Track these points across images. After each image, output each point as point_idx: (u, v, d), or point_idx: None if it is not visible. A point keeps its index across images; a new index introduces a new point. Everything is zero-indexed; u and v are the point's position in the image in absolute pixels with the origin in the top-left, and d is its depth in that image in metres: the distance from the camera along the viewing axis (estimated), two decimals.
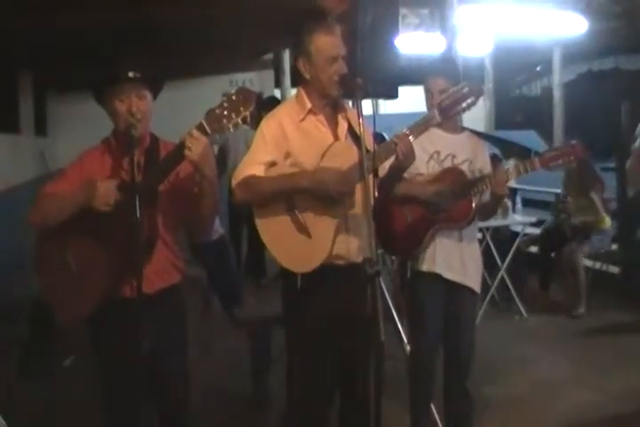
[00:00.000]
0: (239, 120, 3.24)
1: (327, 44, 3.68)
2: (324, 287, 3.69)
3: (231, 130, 3.30)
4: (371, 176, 3.45)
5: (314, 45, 3.69)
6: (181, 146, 3.30)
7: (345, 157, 3.60)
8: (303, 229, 3.63)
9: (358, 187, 3.55)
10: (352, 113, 3.78)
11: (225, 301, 7.68)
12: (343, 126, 3.81)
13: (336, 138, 3.77)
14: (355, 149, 3.57)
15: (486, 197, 4.38)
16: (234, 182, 3.69)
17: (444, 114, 3.62)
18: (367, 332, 3.63)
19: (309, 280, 3.67)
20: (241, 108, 3.23)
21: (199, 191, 3.47)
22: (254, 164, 3.68)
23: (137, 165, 3.44)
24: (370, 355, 3.69)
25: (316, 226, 3.62)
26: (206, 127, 3.26)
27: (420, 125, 3.64)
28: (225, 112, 3.23)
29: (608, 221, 8.71)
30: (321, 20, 3.81)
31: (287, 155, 3.71)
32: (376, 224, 3.40)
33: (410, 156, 3.63)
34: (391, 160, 3.72)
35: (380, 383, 3.27)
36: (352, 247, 3.75)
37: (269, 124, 3.78)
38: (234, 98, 3.23)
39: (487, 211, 4.52)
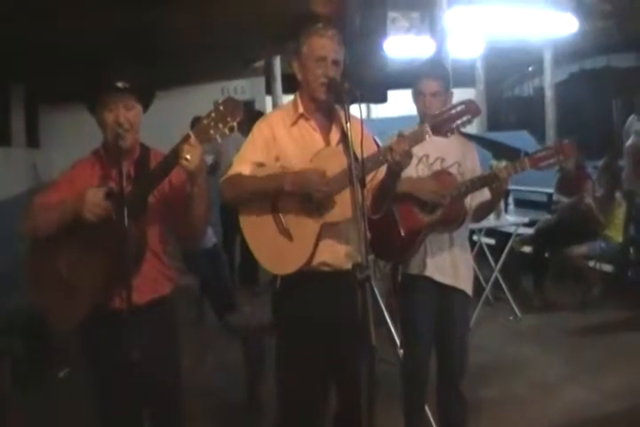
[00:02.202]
0: (226, 130, 3.23)
1: (318, 45, 3.69)
2: (306, 292, 3.72)
3: (218, 140, 3.29)
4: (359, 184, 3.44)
5: (306, 46, 3.72)
6: (171, 156, 3.30)
7: (333, 162, 3.60)
8: (285, 232, 3.65)
9: (346, 194, 3.55)
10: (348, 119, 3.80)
11: (218, 309, 7.69)
12: (336, 133, 3.81)
13: (327, 144, 3.78)
14: (343, 156, 3.58)
15: (486, 195, 4.39)
16: (221, 180, 3.73)
17: (436, 130, 3.58)
18: (355, 338, 3.68)
19: (290, 284, 3.71)
20: (228, 119, 3.21)
21: (190, 201, 3.47)
22: (242, 162, 3.72)
23: (127, 176, 3.43)
24: (358, 359, 3.72)
25: (298, 229, 3.64)
26: (193, 138, 3.25)
27: (411, 142, 3.58)
28: (212, 122, 3.22)
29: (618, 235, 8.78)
30: (316, 24, 3.83)
31: (277, 158, 3.74)
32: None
33: (405, 159, 3.58)
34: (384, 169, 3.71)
35: (373, 387, 3.27)
36: (339, 254, 3.75)
37: (261, 127, 3.81)
38: (221, 108, 3.22)
39: (487, 209, 4.55)
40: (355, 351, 3.72)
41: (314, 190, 3.55)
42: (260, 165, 3.72)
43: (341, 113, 3.76)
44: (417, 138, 3.59)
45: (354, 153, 3.44)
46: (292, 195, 3.62)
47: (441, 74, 4.58)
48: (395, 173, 3.66)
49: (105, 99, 3.52)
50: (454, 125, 3.58)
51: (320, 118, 3.83)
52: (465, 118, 3.58)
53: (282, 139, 3.76)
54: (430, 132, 3.57)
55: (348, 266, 3.68)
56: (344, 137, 3.71)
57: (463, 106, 3.59)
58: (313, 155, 3.69)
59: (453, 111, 3.59)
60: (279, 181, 3.60)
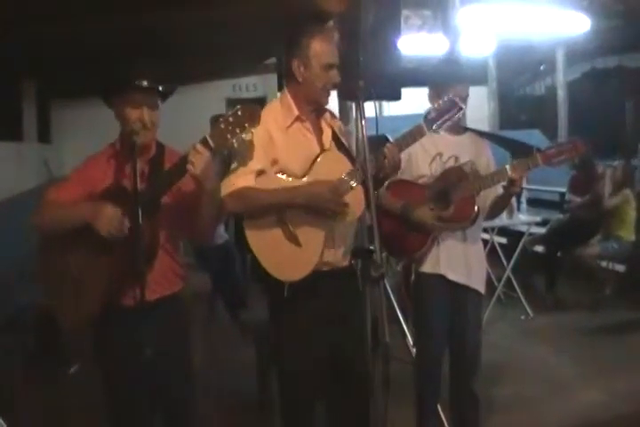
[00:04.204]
0: (243, 136, 3.23)
1: (326, 50, 3.68)
2: (315, 294, 3.70)
3: (235, 145, 3.28)
4: (364, 184, 3.49)
5: (312, 50, 3.67)
6: (185, 159, 3.30)
7: (334, 167, 3.62)
8: (292, 238, 3.61)
9: (353, 194, 3.58)
10: (334, 119, 3.84)
11: (230, 305, 7.70)
12: (327, 133, 3.81)
13: (321, 145, 3.77)
14: (343, 159, 3.66)
15: (498, 192, 4.38)
16: (225, 192, 3.62)
17: (431, 125, 3.65)
18: (357, 334, 3.71)
19: (299, 288, 3.66)
20: (245, 125, 3.21)
21: (198, 203, 3.48)
22: (245, 173, 3.64)
23: (141, 173, 3.45)
24: (364, 356, 3.76)
25: (305, 235, 3.61)
26: (210, 142, 3.25)
27: (408, 137, 3.67)
28: (230, 127, 3.22)
29: (630, 235, 8.75)
30: (321, 25, 3.81)
31: (274, 161, 3.68)
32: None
33: (394, 166, 3.68)
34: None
35: (387, 385, 3.27)
36: (338, 254, 3.77)
37: (257, 130, 3.66)
38: (239, 113, 3.21)
39: (499, 207, 4.54)
40: (363, 347, 3.76)
41: (327, 205, 3.55)
42: (261, 172, 3.65)
43: (329, 112, 3.78)
44: (415, 136, 3.69)
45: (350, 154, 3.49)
46: (302, 208, 3.62)
47: (466, 76, 4.59)
48: (383, 174, 3.74)
49: (131, 97, 3.51)
50: (445, 119, 3.67)
51: (312, 119, 3.82)
52: (452, 113, 3.67)
53: (278, 142, 3.70)
54: (426, 128, 3.65)
55: (345, 263, 3.81)
56: (335, 136, 3.81)
57: (449, 101, 3.69)
58: (311, 161, 3.67)
59: (444, 107, 3.67)
60: (291, 195, 3.59)
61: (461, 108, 3.67)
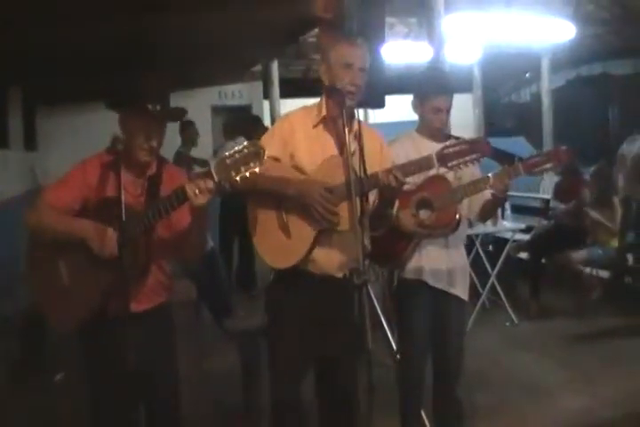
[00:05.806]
0: (247, 174, 3.21)
1: (345, 52, 3.75)
2: (296, 290, 3.79)
3: (238, 181, 3.26)
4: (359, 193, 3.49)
5: (333, 52, 3.78)
6: (182, 192, 3.31)
7: (339, 171, 3.66)
8: (284, 228, 3.72)
9: (347, 205, 3.61)
10: (366, 130, 3.80)
11: (215, 312, 7.68)
12: (352, 143, 3.79)
13: (341, 152, 3.78)
14: (351, 167, 3.63)
15: (487, 196, 4.40)
16: None
17: (443, 163, 3.64)
18: (343, 340, 3.72)
19: (283, 279, 3.82)
20: (251, 164, 3.19)
21: (190, 230, 3.56)
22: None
23: (140, 188, 3.59)
24: (346, 360, 3.78)
25: (296, 228, 3.71)
26: (215, 176, 3.25)
27: (415, 168, 3.67)
28: (235, 163, 3.21)
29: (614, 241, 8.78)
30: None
31: (292, 156, 3.78)
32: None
33: (395, 189, 3.65)
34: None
35: (371, 391, 3.29)
36: (333, 262, 3.80)
37: (282, 124, 3.91)
38: (245, 151, 3.20)
39: (487, 211, 4.55)
40: (344, 353, 3.78)
41: (313, 204, 3.60)
42: (275, 159, 3.74)
43: (362, 125, 3.76)
44: (422, 167, 3.70)
45: (362, 166, 3.49)
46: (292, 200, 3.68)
47: (452, 86, 4.57)
48: (387, 198, 3.79)
49: (142, 122, 3.53)
50: (462, 161, 3.62)
51: (340, 126, 3.77)
52: (474, 156, 3.61)
53: (299, 139, 3.81)
54: (437, 163, 3.63)
55: (339, 274, 3.80)
56: (360, 146, 3.76)
57: (476, 144, 3.63)
58: (323, 160, 3.74)
59: (464, 147, 3.62)
60: (284, 186, 3.66)
61: (486, 154, 3.63)
